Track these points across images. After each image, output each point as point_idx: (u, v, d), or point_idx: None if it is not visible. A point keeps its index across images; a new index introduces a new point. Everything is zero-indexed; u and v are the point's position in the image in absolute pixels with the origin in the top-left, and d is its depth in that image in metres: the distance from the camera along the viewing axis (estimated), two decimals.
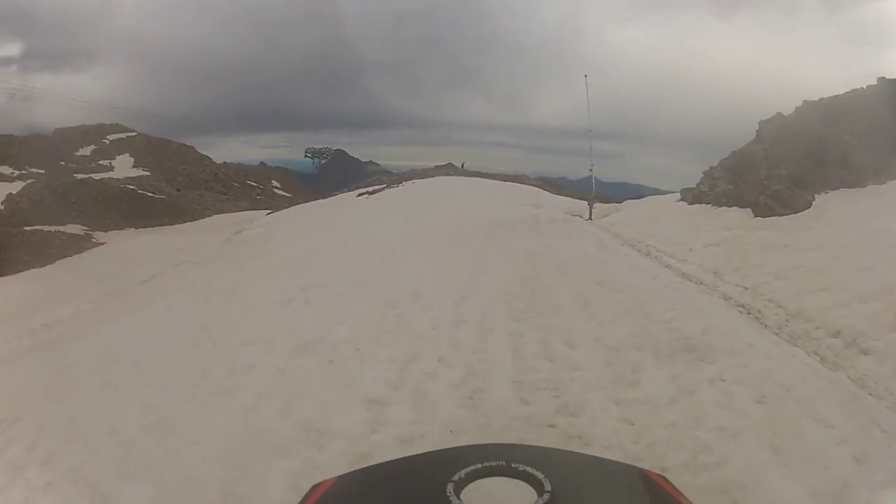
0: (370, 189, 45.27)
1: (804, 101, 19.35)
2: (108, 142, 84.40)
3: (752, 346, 8.15)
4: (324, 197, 53.46)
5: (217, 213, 62.72)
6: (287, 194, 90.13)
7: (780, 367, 7.45)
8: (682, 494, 1.82)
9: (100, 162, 77.66)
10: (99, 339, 15.09)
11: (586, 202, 26.31)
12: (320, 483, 1.81)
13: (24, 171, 66.20)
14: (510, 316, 10.04)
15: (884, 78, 17.41)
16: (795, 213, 14.69)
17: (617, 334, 8.87)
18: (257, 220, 44.26)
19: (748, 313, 9.97)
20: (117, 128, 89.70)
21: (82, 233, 50.14)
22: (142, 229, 53.15)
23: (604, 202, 28.44)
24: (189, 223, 56.48)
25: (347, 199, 44.28)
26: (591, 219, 24.10)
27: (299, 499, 1.73)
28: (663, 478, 1.90)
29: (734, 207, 17.06)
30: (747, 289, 11.12)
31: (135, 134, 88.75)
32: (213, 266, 26.38)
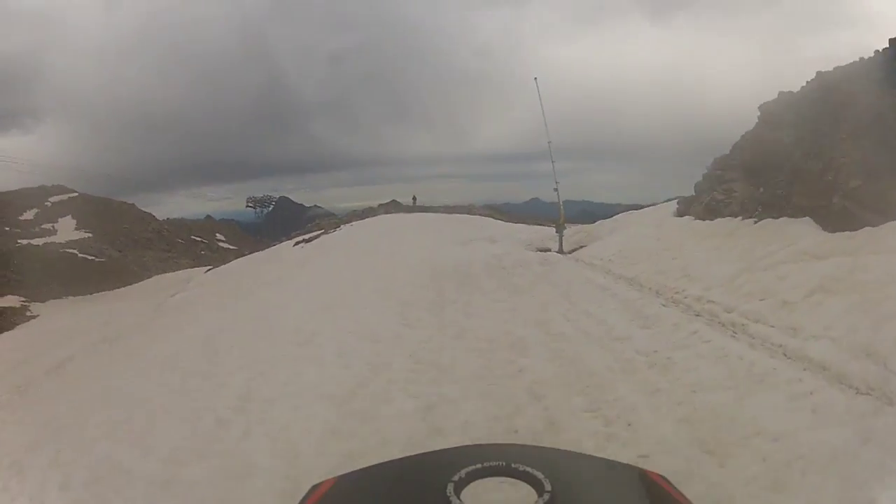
0: (306, 237, 41.63)
1: (817, 73, 13.91)
2: (49, 204, 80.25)
3: None
4: (267, 246, 50.28)
5: (157, 274, 58.22)
6: (232, 247, 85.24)
7: None
8: (681, 494, 1.79)
9: (43, 226, 73.78)
10: None
11: (553, 229, 22.13)
12: (320, 483, 1.79)
13: None
14: None
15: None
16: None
17: None
18: (194, 280, 41.01)
19: None
20: (59, 189, 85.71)
21: (18, 305, 45.60)
22: (80, 297, 48.95)
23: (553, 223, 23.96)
24: (128, 286, 52.34)
25: (283, 249, 40.47)
26: (563, 251, 19.75)
27: (299, 499, 1.70)
28: (663, 478, 1.86)
29: (783, 218, 12.19)
30: None
31: (76, 195, 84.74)
32: (130, 345, 22.16)
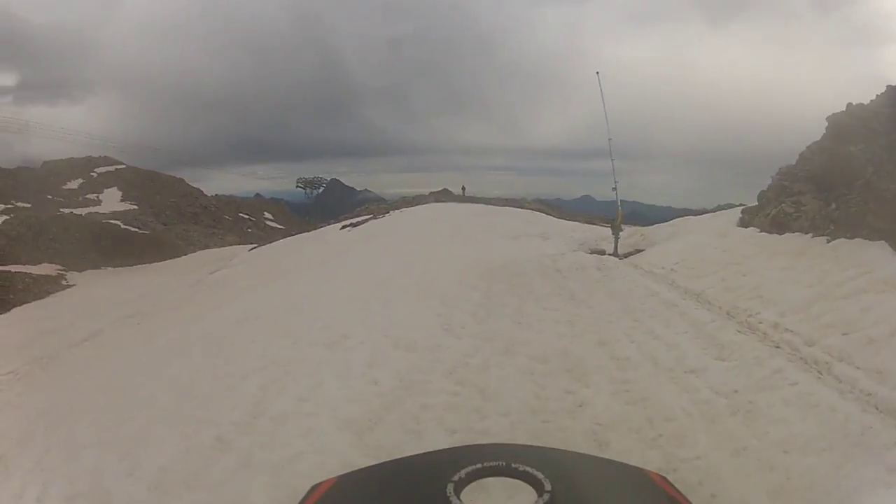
0: (354, 220, 40.24)
1: (888, 86, 13.31)
2: (95, 175, 79.73)
3: None
4: (315, 227, 49.43)
5: (201, 249, 57.62)
6: (280, 226, 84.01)
7: None
8: (681, 494, 1.79)
9: (87, 196, 73.33)
10: None
11: (609, 230, 20.76)
12: (321, 483, 1.80)
13: (10, 206, 61.73)
14: None
15: None
16: None
17: None
18: (237, 257, 40.13)
19: None
20: (106, 160, 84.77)
21: (55, 273, 44.45)
22: (119, 268, 48.02)
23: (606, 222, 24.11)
24: (170, 260, 51.24)
25: (329, 231, 38.98)
26: (619, 254, 18.15)
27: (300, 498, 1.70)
28: (663, 478, 1.88)
29: (857, 240, 10.93)
30: None
31: (123, 167, 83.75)
32: (159, 321, 21.37)
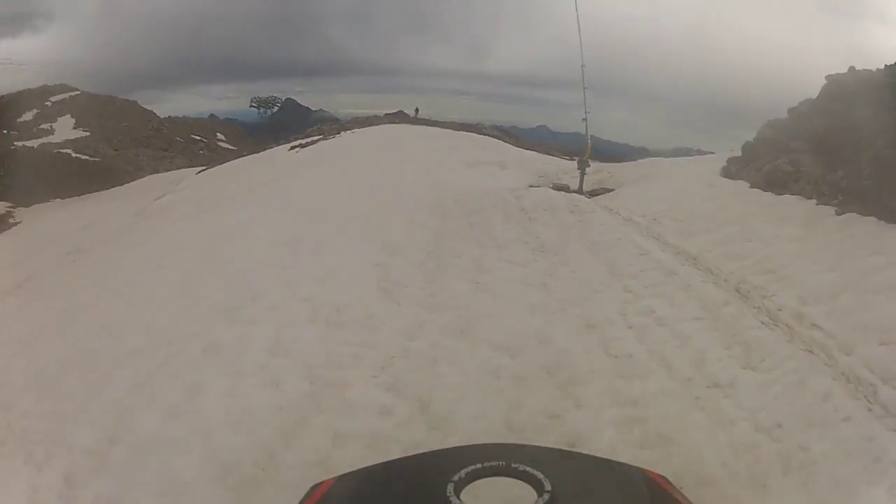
0: (303, 141, 37.54)
1: None
2: (50, 104, 75.65)
3: None
4: (266, 148, 45.55)
5: (150, 173, 55.08)
6: (232, 147, 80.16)
7: None
8: (682, 494, 1.75)
9: (41, 126, 69.58)
10: None
11: (575, 164, 17.75)
12: (320, 483, 1.75)
13: None
14: None
15: None
16: None
17: None
18: (184, 181, 37.80)
19: None
20: (61, 88, 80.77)
21: (4, 210, 42.53)
22: (68, 199, 45.82)
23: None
24: (118, 187, 48.87)
25: (278, 152, 36.49)
26: (584, 192, 15.58)
27: (300, 498, 1.67)
28: (663, 478, 1.83)
29: (871, 218, 8.94)
30: None
31: (77, 93, 79.84)
32: (98, 256, 19.33)
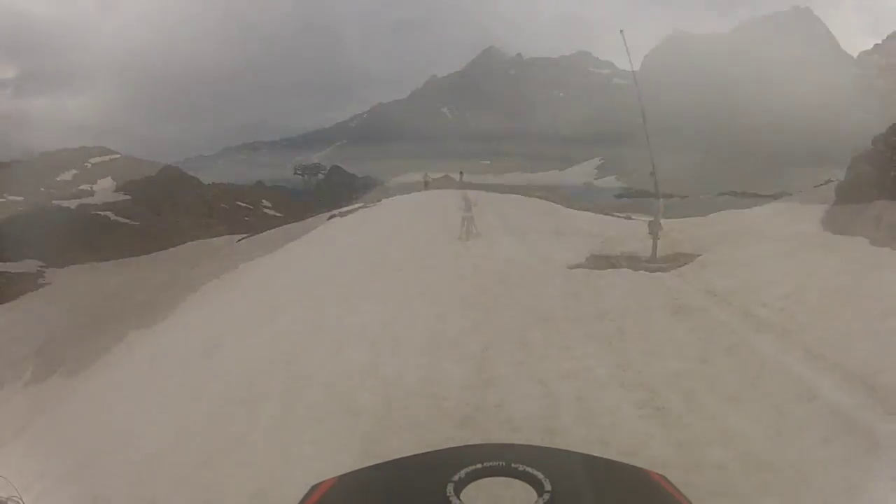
0: (343, 210, 37.79)
1: None
2: (90, 165, 79.03)
3: None
4: (312, 215, 46.93)
5: (191, 240, 55.53)
6: (278, 214, 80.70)
7: None
8: (682, 494, 1.65)
9: (81, 187, 72.21)
10: None
11: (634, 221, 17.22)
12: (320, 483, 1.65)
13: (2, 199, 61.44)
14: None
15: None
16: None
17: None
18: (222, 251, 39.73)
19: None
20: (101, 150, 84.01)
21: (35, 270, 42.92)
22: (104, 262, 46.32)
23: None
24: (157, 252, 49.91)
25: (312, 223, 36.28)
26: (658, 262, 13.00)
27: (300, 498, 1.57)
28: (663, 478, 1.71)
29: None
30: None
31: (118, 156, 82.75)
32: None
